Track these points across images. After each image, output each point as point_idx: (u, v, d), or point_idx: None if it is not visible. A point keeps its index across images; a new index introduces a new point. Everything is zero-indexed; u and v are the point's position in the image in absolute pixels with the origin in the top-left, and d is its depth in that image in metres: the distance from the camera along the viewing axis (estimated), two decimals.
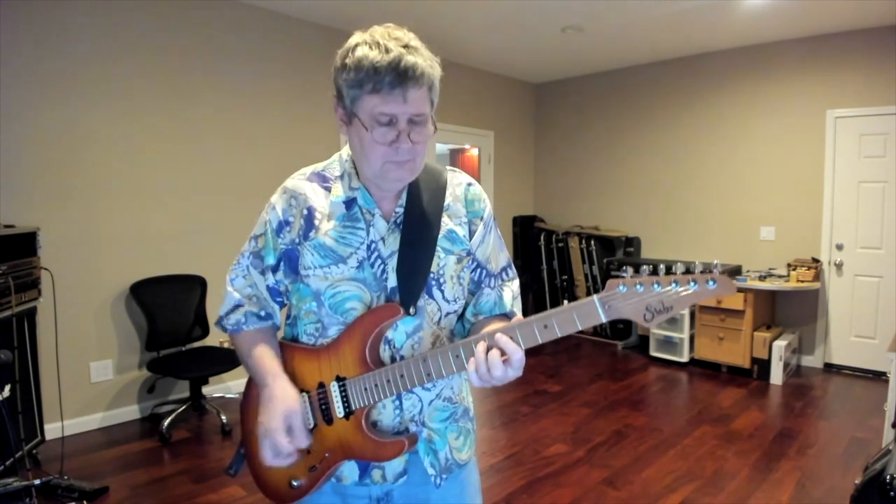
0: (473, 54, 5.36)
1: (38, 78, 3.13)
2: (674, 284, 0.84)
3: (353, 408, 1.03)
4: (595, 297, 0.88)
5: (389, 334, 1.04)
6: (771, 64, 4.86)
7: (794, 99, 4.76)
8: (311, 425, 1.04)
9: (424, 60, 0.94)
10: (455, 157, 7.33)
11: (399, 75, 0.91)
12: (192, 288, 3.72)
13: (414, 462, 1.09)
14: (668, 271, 0.86)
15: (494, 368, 0.91)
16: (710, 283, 0.82)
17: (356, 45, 0.94)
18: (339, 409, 1.03)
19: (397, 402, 1.06)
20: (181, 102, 3.70)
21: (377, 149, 0.96)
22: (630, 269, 0.88)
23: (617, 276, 0.88)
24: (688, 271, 0.84)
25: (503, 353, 0.92)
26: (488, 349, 0.93)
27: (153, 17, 3.54)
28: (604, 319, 0.88)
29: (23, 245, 2.81)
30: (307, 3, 4.02)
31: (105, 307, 3.47)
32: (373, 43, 0.93)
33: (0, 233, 2.71)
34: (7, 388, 2.35)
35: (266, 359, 1.07)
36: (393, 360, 1.04)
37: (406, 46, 0.93)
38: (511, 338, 0.92)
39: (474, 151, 6.51)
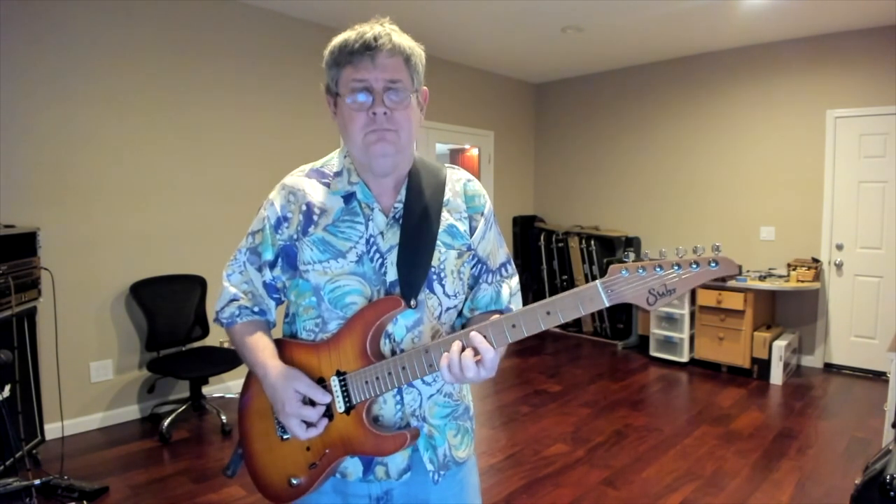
0: (473, 54, 5.36)
1: (37, 78, 3.13)
2: (676, 267, 0.85)
3: (354, 402, 1.02)
4: (598, 281, 0.89)
5: (390, 328, 1.04)
6: (771, 64, 4.87)
7: (794, 99, 4.77)
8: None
9: (398, 36, 0.99)
10: (455, 157, 7.31)
11: (366, 43, 0.96)
12: (192, 288, 3.72)
13: (416, 460, 1.09)
14: None
15: (467, 370, 0.93)
16: (713, 264, 0.82)
17: (338, 36, 1.01)
18: (339, 404, 1.03)
19: (398, 397, 1.06)
20: (181, 102, 3.71)
21: (356, 119, 0.99)
22: (632, 255, 0.90)
23: (619, 262, 0.88)
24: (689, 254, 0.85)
25: (476, 352, 0.93)
26: (463, 349, 0.94)
27: (152, 16, 3.54)
28: (606, 304, 0.88)
29: (23, 245, 2.81)
30: (307, 3, 4.03)
31: (105, 307, 3.47)
32: (350, 30, 0.99)
33: (0, 233, 2.71)
34: (7, 388, 2.35)
35: (259, 349, 1.08)
36: (393, 353, 1.04)
37: (379, 25, 0.99)
38: (484, 336, 0.93)
39: (474, 151, 6.50)
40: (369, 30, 0.97)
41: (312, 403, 1.02)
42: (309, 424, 1.01)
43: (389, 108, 0.98)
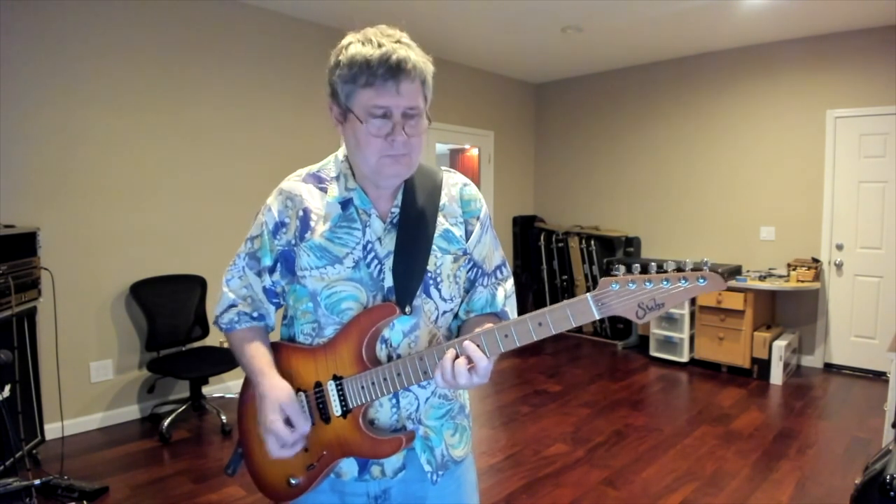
0: (473, 54, 5.36)
1: (37, 77, 3.14)
2: (665, 282, 0.86)
3: (351, 406, 1.03)
4: (588, 294, 0.90)
5: (386, 333, 1.04)
6: (771, 64, 4.86)
7: (794, 99, 4.76)
8: (309, 423, 1.04)
9: (417, 55, 0.97)
10: (455, 157, 7.32)
11: (391, 68, 0.93)
12: (192, 288, 3.72)
13: (411, 458, 1.10)
14: (660, 270, 0.88)
15: (460, 377, 0.93)
16: (701, 280, 0.84)
17: (349, 44, 0.97)
18: (336, 408, 1.04)
19: (394, 400, 1.07)
20: (181, 102, 3.71)
21: (373, 143, 0.97)
22: (622, 268, 0.90)
23: (610, 275, 0.90)
24: (679, 269, 0.86)
25: (470, 360, 0.94)
26: (456, 357, 0.94)
27: (152, 16, 3.54)
28: (597, 316, 0.90)
29: (23, 245, 2.81)
30: (306, 3, 4.03)
31: (105, 307, 3.47)
32: (365, 40, 0.95)
33: (0, 233, 2.71)
34: (7, 388, 2.35)
35: (257, 357, 1.08)
36: (390, 358, 1.05)
37: (398, 42, 0.95)
38: (478, 346, 0.94)
39: (474, 151, 6.51)
40: (389, 48, 0.93)
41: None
42: (283, 445, 1.01)
43: (407, 135, 0.97)
